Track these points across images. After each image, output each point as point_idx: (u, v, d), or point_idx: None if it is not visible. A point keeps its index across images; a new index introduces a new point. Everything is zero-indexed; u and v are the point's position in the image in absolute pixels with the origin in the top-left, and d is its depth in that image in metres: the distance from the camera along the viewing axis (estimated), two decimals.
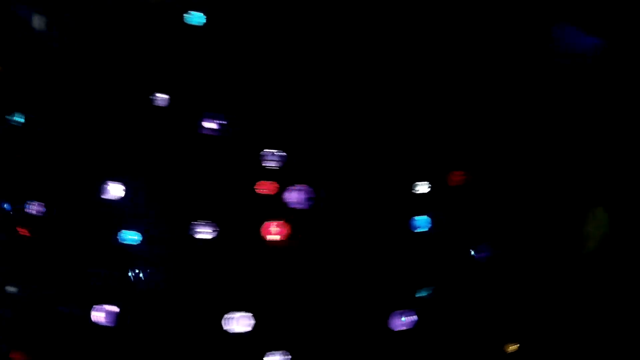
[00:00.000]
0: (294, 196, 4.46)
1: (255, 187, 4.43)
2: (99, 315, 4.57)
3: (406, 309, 4.66)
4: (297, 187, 4.46)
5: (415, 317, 4.67)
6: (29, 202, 4.67)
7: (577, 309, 5.10)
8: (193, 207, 4.47)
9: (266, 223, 4.45)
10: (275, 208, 4.46)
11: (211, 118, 4.47)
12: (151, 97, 4.50)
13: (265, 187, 4.45)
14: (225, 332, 4.39)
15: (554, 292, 5.01)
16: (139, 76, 4.55)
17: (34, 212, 4.69)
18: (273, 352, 4.45)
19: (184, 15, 4.49)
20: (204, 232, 4.44)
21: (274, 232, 4.44)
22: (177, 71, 4.52)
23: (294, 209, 4.46)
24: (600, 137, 5.16)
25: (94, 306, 4.56)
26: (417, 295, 4.71)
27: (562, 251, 5.05)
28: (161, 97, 4.53)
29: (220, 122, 4.47)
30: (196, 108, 4.48)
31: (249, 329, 4.43)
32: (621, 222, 5.25)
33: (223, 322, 4.40)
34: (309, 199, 4.47)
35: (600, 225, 5.33)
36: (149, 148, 4.53)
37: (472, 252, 4.80)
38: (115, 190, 4.55)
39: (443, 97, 4.69)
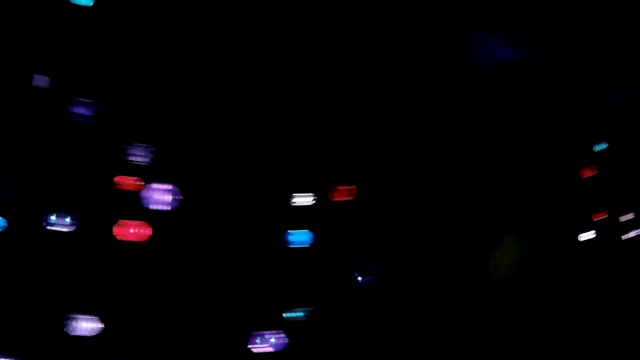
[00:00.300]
0: (157, 196, 4.14)
1: (115, 181, 4.12)
2: None
3: (274, 330, 4.31)
4: (161, 186, 4.14)
5: (285, 340, 4.31)
6: None
7: (470, 334, 4.70)
8: (52, 197, 4.17)
9: (122, 222, 4.14)
10: (137, 207, 4.15)
11: (83, 105, 4.19)
12: (29, 78, 4.23)
13: (126, 183, 4.14)
14: (67, 333, 4.10)
15: (444, 317, 4.62)
16: (16, 57, 4.27)
17: None
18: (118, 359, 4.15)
19: None
20: (59, 225, 4.15)
21: (129, 232, 4.12)
22: (55, 53, 4.24)
23: (156, 210, 4.15)
24: (508, 150, 4.77)
25: None
26: (288, 315, 4.35)
27: (456, 276, 4.64)
28: (40, 79, 4.26)
29: (93, 109, 4.18)
30: (69, 94, 4.20)
31: (94, 332, 4.12)
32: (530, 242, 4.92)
33: (66, 323, 4.10)
34: (173, 201, 4.15)
35: (512, 253, 4.96)
36: (18, 132, 4.26)
37: (358, 276, 4.42)
38: None
39: (336, 103, 4.35)
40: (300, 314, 4.36)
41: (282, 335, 4.30)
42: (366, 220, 4.40)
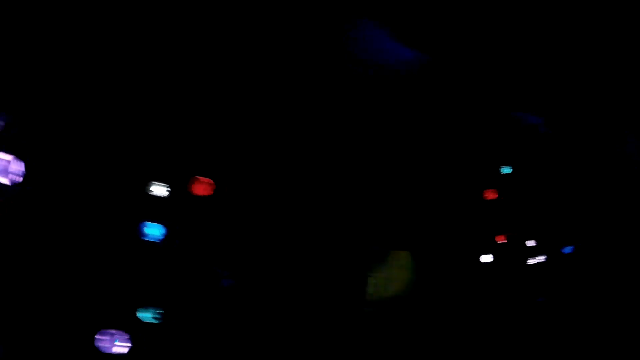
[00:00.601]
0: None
1: None
2: None
3: (120, 331, 3.97)
4: (3, 155, 3.80)
5: (129, 341, 3.96)
6: None
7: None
8: None
9: None
10: None
11: None
12: None
13: None
14: None
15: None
16: None
17: None
18: None
19: None
20: None
21: None
22: None
23: None
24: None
25: None
26: (140, 315, 4.03)
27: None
28: None
29: None
30: None
31: None
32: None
33: None
34: (15, 174, 3.82)
35: (404, 269, 4.82)
36: None
37: (213, 277, 4.14)
38: None
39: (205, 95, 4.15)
40: (148, 314, 4.05)
41: (127, 336, 3.97)
42: (223, 218, 4.16)
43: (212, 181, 4.11)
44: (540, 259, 5.62)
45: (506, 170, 5.42)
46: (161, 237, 4.03)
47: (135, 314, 3.99)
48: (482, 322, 5.19)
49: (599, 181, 5.79)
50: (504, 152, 5.40)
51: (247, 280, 4.21)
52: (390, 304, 4.88)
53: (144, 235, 4.00)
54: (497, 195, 5.34)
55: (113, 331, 3.91)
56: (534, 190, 5.60)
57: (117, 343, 3.92)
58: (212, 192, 4.11)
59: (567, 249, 5.79)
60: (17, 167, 3.80)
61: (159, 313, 4.02)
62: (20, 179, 3.80)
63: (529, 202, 5.58)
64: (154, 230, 4.01)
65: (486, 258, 5.33)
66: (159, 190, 4.01)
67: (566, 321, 5.48)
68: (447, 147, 5.02)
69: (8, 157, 3.79)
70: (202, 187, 4.09)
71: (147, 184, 3.99)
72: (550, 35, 4.82)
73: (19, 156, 3.79)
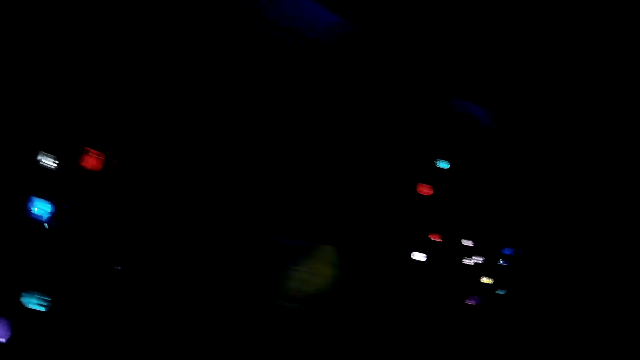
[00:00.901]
0: None
1: None
2: None
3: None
4: None
5: (9, 332, 3.60)
6: None
7: None
8: None
9: None
10: None
11: None
12: None
13: None
14: None
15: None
16: None
17: None
18: None
19: None
20: None
21: None
22: None
23: None
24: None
25: None
26: (24, 301, 3.68)
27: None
28: None
29: None
30: None
31: None
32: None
33: None
34: None
35: (329, 264, 4.54)
36: None
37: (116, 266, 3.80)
38: None
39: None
40: (33, 300, 3.70)
41: (8, 324, 3.63)
42: (118, 197, 3.82)
43: (102, 154, 3.77)
44: (478, 259, 5.37)
45: (443, 164, 5.15)
46: (48, 215, 3.70)
47: (18, 300, 3.64)
48: (410, 323, 4.91)
49: (541, 180, 5.57)
50: (441, 144, 5.13)
51: (145, 266, 3.87)
52: (314, 300, 4.58)
53: (29, 212, 3.66)
54: (432, 191, 5.07)
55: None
56: (472, 186, 5.34)
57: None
58: (101, 167, 3.76)
59: (507, 251, 5.55)
60: None
61: (44, 299, 3.68)
62: None
63: (466, 200, 5.32)
64: (40, 208, 3.68)
65: (419, 256, 5.06)
66: (46, 162, 3.67)
67: (502, 324, 5.24)
68: (378, 134, 4.73)
69: None
70: (92, 161, 3.75)
71: (33, 155, 3.66)
72: (502, 10, 4.51)
73: None
